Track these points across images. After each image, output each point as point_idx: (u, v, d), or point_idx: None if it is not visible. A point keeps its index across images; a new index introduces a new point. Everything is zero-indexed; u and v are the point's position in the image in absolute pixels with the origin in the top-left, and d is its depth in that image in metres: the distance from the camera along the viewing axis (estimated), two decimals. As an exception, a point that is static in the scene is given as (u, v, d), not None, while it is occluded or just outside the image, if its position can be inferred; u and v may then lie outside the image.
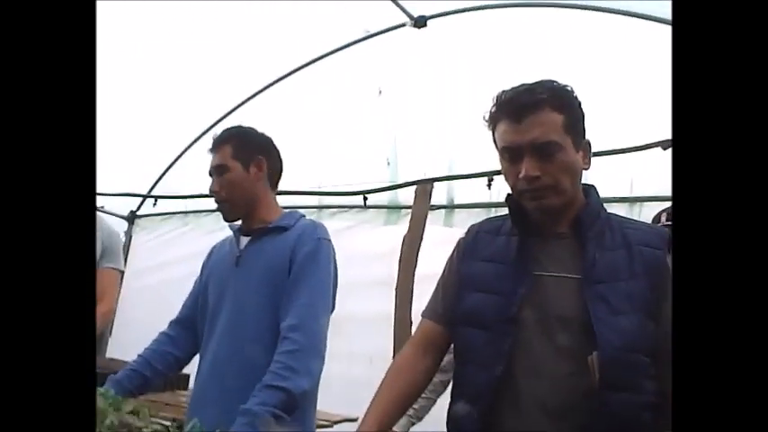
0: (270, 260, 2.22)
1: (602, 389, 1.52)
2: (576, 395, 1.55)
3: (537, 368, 1.61)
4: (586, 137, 1.73)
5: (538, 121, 1.63)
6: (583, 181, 1.75)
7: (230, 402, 2.01)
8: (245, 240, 2.33)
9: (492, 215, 4.49)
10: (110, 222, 3.36)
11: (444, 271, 1.92)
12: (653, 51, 3.24)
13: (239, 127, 2.40)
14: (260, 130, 2.41)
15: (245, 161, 2.31)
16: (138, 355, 2.44)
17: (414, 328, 3.43)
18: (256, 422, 1.91)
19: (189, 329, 2.42)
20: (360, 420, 1.76)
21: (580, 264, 1.63)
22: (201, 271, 2.49)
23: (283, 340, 2.06)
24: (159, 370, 2.37)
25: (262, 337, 2.15)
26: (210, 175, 2.33)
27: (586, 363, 1.54)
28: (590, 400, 1.53)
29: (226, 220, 2.37)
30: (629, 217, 1.90)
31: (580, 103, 1.72)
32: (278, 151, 2.42)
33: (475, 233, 1.89)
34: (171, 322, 2.47)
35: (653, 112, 3.13)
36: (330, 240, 2.28)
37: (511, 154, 1.67)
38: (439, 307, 1.87)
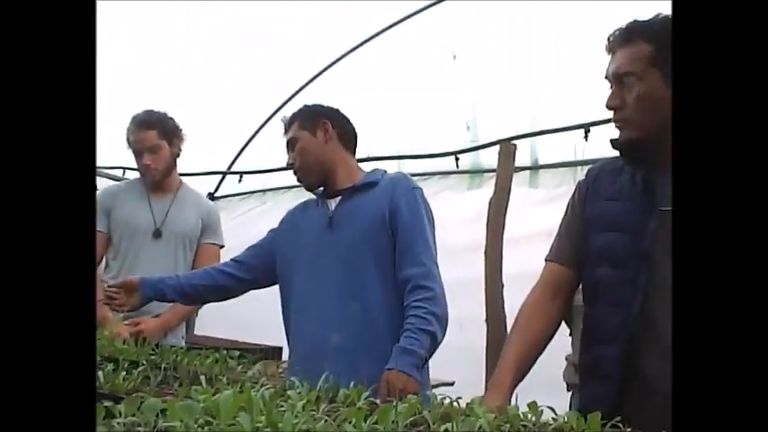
0: (367, 216, 2.44)
1: None
2: None
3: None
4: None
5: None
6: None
7: (350, 356, 2.24)
8: (332, 203, 2.56)
9: (578, 175, 4.59)
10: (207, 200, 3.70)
11: (566, 214, 2.02)
12: None
13: (303, 105, 2.70)
14: (336, 100, 2.70)
15: (311, 128, 2.57)
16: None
17: (505, 291, 3.61)
18: (419, 363, 2.16)
19: (249, 271, 2.63)
20: (494, 370, 1.88)
21: None
22: (272, 236, 2.69)
23: (416, 288, 2.29)
24: (198, 285, 2.60)
25: (373, 290, 2.38)
26: (288, 154, 2.61)
27: None
28: None
29: (307, 188, 2.64)
30: None
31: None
32: (344, 115, 2.68)
33: (595, 174, 1.98)
34: (230, 260, 2.70)
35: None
36: (421, 189, 2.53)
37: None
38: (565, 249, 1.97)
